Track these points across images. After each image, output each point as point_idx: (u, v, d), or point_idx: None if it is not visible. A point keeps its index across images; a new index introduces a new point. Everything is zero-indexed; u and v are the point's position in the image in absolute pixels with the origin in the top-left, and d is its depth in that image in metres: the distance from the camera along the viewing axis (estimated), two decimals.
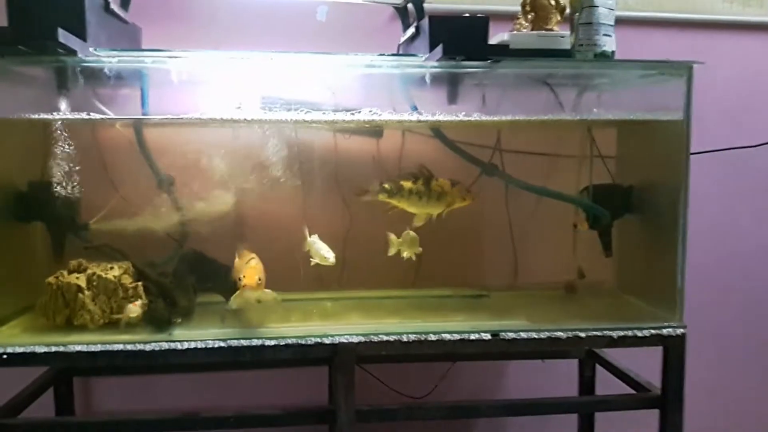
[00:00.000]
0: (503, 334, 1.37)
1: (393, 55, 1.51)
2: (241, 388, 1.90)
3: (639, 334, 1.41)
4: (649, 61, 1.43)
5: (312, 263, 1.45)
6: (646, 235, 1.59)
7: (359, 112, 1.44)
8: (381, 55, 1.39)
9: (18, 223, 1.48)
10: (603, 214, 1.63)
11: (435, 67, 1.38)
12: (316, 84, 1.53)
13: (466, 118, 1.44)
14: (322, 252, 1.44)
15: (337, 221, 1.65)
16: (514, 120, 1.50)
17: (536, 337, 1.38)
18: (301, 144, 1.60)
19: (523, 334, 1.38)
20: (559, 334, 1.39)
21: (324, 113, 1.45)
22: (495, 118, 1.46)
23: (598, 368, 1.82)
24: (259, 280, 1.31)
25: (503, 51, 1.34)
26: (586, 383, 1.88)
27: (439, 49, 1.30)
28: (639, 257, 1.64)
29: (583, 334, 1.39)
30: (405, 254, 1.51)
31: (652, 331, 1.41)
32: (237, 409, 1.35)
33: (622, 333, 1.41)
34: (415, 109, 1.50)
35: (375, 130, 1.65)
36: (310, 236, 1.49)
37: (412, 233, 1.51)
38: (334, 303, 1.61)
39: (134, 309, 1.33)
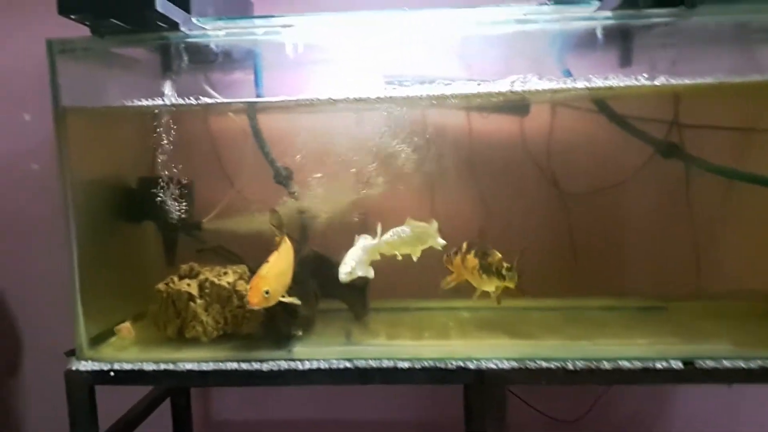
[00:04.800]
0: (699, 362, 1.07)
1: (557, 3, 1.16)
2: (367, 396, 1.70)
3: None
4: None
5: None
6: None
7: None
8: (543, 4, 1.11)
9: (129, 223, 1.36)
10: None
11: (609, 18, 1.08)
12: (451, 54, 1.29)
13: (649, 83, 1.12)
14: (345, 259, 1.16)
15: (468, 216, 1.44)
16: (706, 84, 1.16)
17: (744, 367, 1.07)
18: (432, 126, 1.37)
19: (727, 363, 1.07)
20: None
21: (457, 86, 1.20)
22: (686, 82, 1.13)
23: None
24: (267, 294, 1.05)
25: None
26: None
27: None
28: None
29: None
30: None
31: None
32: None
33: None
34: (568, 74, 1.21)
35: (520, 106, 1.37)
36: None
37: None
38: (469, 313, 1.36)
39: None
